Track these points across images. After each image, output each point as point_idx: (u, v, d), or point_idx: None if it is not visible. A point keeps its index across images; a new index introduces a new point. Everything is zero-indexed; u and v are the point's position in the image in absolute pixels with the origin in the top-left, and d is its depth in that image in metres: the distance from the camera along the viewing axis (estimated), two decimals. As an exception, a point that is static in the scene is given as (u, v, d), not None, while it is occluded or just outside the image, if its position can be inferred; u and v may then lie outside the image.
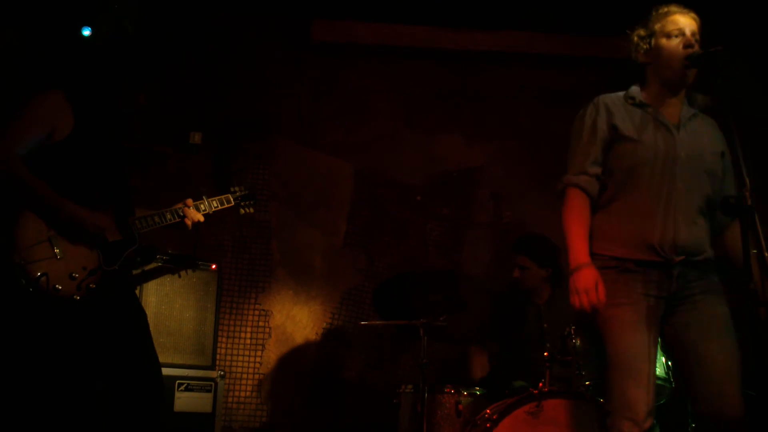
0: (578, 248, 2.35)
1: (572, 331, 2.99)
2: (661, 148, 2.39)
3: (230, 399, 4.28)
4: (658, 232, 2.32)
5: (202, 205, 2.96)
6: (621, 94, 2.56)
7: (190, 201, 2.90)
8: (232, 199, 3.14)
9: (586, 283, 2.26)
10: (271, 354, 4.43)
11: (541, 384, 2.98)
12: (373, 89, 4.86)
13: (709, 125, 2.52)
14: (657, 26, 2.49)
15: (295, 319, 4.50)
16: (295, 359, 4.44)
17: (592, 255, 2.37)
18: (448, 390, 3.24)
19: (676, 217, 2.33)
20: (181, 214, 2.84)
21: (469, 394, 3.24)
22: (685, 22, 2.46)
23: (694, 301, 2.33)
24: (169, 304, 3.65)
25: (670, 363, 2.89)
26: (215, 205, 3.04)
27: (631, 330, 2.29)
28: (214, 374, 3.66)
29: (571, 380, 3.04)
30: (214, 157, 4.57)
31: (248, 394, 4.35)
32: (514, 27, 4.80)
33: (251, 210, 3.27)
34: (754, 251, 2.05)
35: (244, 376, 4.36)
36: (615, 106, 2.50)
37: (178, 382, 3.55)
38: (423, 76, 4.89)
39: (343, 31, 4.79)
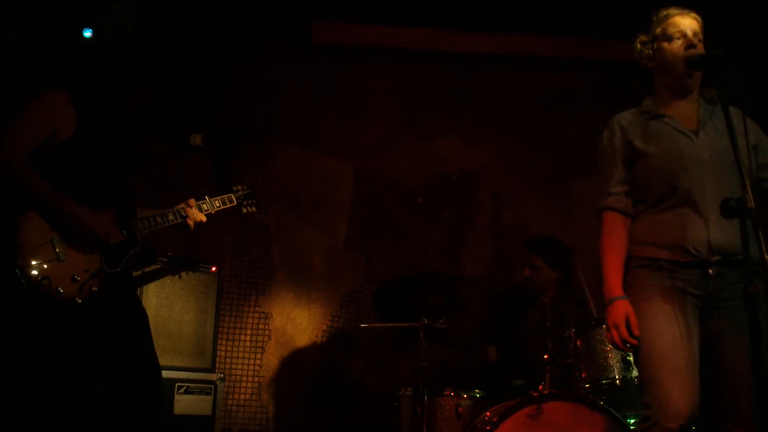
0: (612, 281, 2.37)
1: (572, 334, 3.01)
2: (683, 154, 2.38)
3: (230, 402, 4.28)
4: (690, 234, 2.31)
5: (204, 205, 2.97)
6: (634, 109, 2.57)
7: (192, 201, 2.91)
8: (234, 198, 3.16)
9: (617, 318, 2.29)
10: (271, 357, 4.44)
11: (541, 386, 3.00)
12: (373, 90, 4.88)
13: (730, 120, 2.50)
14: (658, 30, 2.49)
15: (296, 322, 4.52)
16: (295, 362, 4.45)
17: (630, 257, 2.40)
18: (447, 393, 3.26)
19: (707, 217, 2.31)
20: (184, 214, 2.84)
21: (468, 397, 3.26)
22: (685, 23, 2.46)
23: (733, 306, 2.28)
24: (168, 307, 3.66)
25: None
26: (218, 204, 3.05)
27: (665, 321, 2.27)
28: (213, 377, 3.67)
29: (571, 383, 3.06)
30: (214, 158, 4.59)
31: (248, 396, 4.36)
32: (514, 29, 4.83)
33: (253, 209, 3.29)
34: None
35: (244, 378, 4.37)
36: (629, 124, 2.51)
37: (177, 384, 3.55)
38: (423, 78, 4.91)
39: (343, 32, 4.81)
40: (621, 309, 2.31)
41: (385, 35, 4.83)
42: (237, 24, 4.69)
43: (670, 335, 2.26)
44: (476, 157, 4.87)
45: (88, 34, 3.62)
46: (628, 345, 2.29)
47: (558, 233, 4.05)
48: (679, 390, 2.21)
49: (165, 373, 3.00)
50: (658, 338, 2.27)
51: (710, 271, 2.30)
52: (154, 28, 4.06)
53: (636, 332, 2.28)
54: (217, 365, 3.80)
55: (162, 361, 2.75)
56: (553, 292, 3.77)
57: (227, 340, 4.37)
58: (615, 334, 2.29)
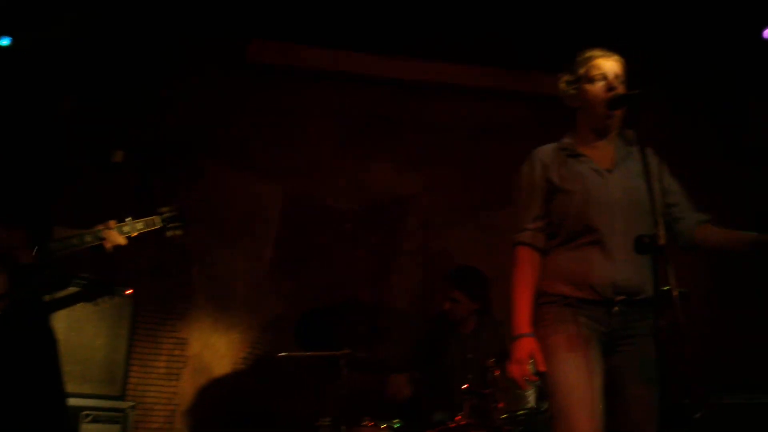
0: (520, 316, 2.50)
1: (492, 364, 3.13)
2: (596, 194, 2.54)
3: (140, 431, 4.22)
4: (597, 273, 2.47)
5: (126, 227, 2.88)
6: (554, 145, 2.72)
7: (112, 222, 2.84)
8: (159, 221, 3.06)
9: (521, 355, 2.43)
10: (187, 384, 4.42)
11: (459, 417, 3.10)
12: (308, 113, 4.97)
13: (644, 163, 2.65)
14: (582, 71, 2.65)
15: (214, 348, 4.51)
16: (212, 390, 4.44)
17: (541, 293, 2.54)
18: (366, 423, 3.32)
19: (614, 257, 2.47)
20: (102, 236, 2.78)
21: (387, 427, 3.34)
22: (608, 65, 2.63)
23: (634, 344, 2.47)
24: (79, 330, 3.62)
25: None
26: (140, 227, 2.96)
27: (572, 357, 2.41)
28: (123, 405, 3.64)
29: (489, 413, 3.17)
30: (138, 176, 4.54)
31: (160, 425, 4.32)
32: (452, 59, 5.02)
33: (179, 232, 3.18)
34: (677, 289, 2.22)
35: (157, 407, 4.33)
36: (550, 160, 2.65)
37: (84, 412, 3.51)
38: (359, 103, 5.03)
39: (280, 52, 4.89)
40: (527, 346, 2.44)
41: (323, 58, 4.94)
42: (171, 41, 4.68)
43: (576, 370, 2.41)
44: (407, 184, 5.00)
45: (5, 43, 3.57)
46: (527, 382, 2.43)
47: (484, 262, 4.19)
48: (586, 422, 2.36)
49: (71, 401, 2.96)
50: (566, 373, 2.41)
51: (614, 309, 2.47)
52: (87, 42, 4.01)
53: (541, 369, 2.42)
54: (128, 392, 3.76)
55: (69, 388, 2.71)
56: (472, 323, 3.91)
57: (141, 366, 4.32)
58: (517, 369, 2.43)
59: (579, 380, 2.40)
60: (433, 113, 5.12)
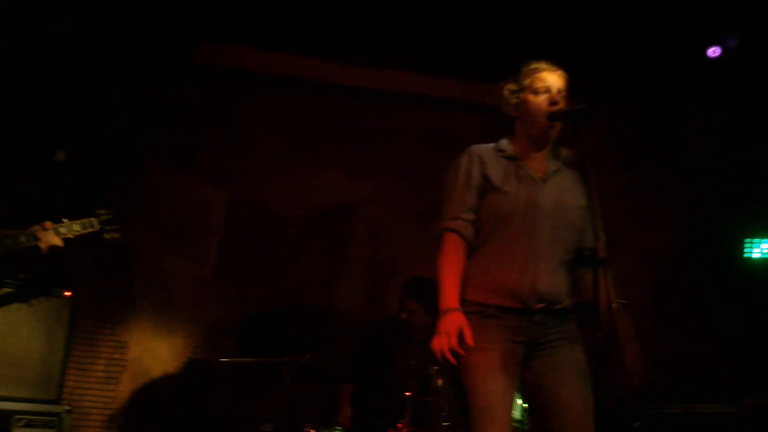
0: (449, 293, 2.51)
1: (435, 371, 3.16)
2: (526, 200, 2.60)
3: (76, 436, 4.14)
4: (520, 280, 2.53)
5: (62, 228, 2.87)
6: (492, 145, 2.77)
7: (48, 224, 2.82)
8: (96, 223, 3.05)
9: (449, 328, 2.41)
10: (126, 389, 4.35)
11: (401, 425, 3.12)
12: (257, 116, 4.94)
13: (573, 179, 2.74)
14: (526, 82, 2.72)
15: (155, 353, 4.45)
16: (151, 395, 4.38)
17: (462, 301, 2.54)
18: (307, 429, 3.31)
19: (537, 265, 2.53)
20: (37, 237, 2.76)
21: (330, 435, 3.33)
22: (552, 79, 2.70)
23: (553, 347, 2.54)
24: (14, 332, 3.52)
25: (526, 405, 3.11)
26: (77, 228, 2.95)
27: (492, 377, 2.46)
28: (59, 409, 3.55)
29: (431, 421, 3.19)
30: (80, 176, 4.45)
31: (96, 431, 4.23)
32: (403, 68, 5.06)
33: (117, 235, 3.19)
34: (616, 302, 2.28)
35: (94, 411, 4.26)
36: (487, 157, 2.70)
37: (17, 417, 3.41)
38: (310, 109, 5.03)
39: (230, 55, 4.86)
40: (455, 319, 2.44)
41: (274, 62, 4.92)
42: (119, 41, 4.61)
43: (497, 392, 2.46)
44: (356, 190, 5.02)
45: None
46: (453, 354, 2.38)
47: (430, 271, 4.20)
48: None
49: (3, 405, 2.89)
50: (486, 395, 2.45)
51: (534, 319, 2.53)
52: (30, 40, 3.93)
53: (470, 343, 2.40)
54: (64, 397, 3.67)
55: (1, 391, 2.65)
56: (426, 333, 3.91)
57: (78, 369, 4.24)
58: (444, 341, 2.39)
59: (496, 398, 2.45)
60: (383, 121, 5.15)
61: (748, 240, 5.25)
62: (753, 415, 4.00)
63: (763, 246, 5.23)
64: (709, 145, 5.39)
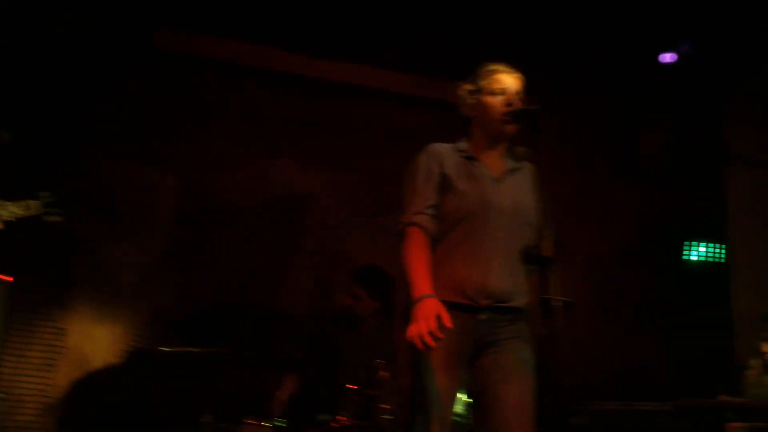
0: (420, 281, 2.48)
1: (380, 365, 3.16)
2: (482, 198, 2.64)
3: (9, 424, 4.03)
4: (468, 277, 2.56)
5: (1, 211, 2.81)
6: (451, 145, 2.80)
7: (-13, 205, 2.74)
8: (37, 206, 3.00)
9: (427, 312, 2.36)
10: (63, 376, 4.25)
11: (344, 417, 3.11)
12: (214, 105, 4.86)
13: (529, 179, 2.79)
14: (483, 83, 2.77)
15: (95, 340, 4.36)
16: (90, 383, 4.28)
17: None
18: (247, 421, 3.30)
19: (490, 264, 2.57)
20: (-25, 220, 2.68)
21: (270, 426, 3.31)
22: (509, 81, 2.75)
23: (501, 345, 2.58)
24: (-55, 315, 3.41)
25: (470, 400, 3.13)
26: (17, 210, 2.89)
27: (442, 374, 2.49)
28: (-7, 396, 3.45)
29: (374, 414, 3.20)
30: (23, 158, 4.32)
31: (31, 418, 4.13)
32: (359, 61, 5.06)
33: (59, 219, 3.14)
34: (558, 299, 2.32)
35: (28, 398, 4.14)
36: (446, 155, 2.73)
37: (-53, 403, 3.31)
38: (267, 99, 4.97)
39: (188, 42, 4.76)
40: (432, 304, 2.40)
41: (233, 50, 4.84)
42: (72, 23, 4.47)
43: (444, 389, 2.50)
44: (309, 182, 4.99)
45: None
46: (431, 337, 2.33)
47: (386, 264, 4.22)
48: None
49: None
50: (435, 392, 2.48)
51: (482, 316, 2.56)
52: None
53: (449, 326, 2.36)
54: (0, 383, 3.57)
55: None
56: (373, 323, 3.93)
57: (13, 356, 4.12)
58: (423, 325, 2.33)
59: (444, 399, 2.49)
60: (340, 115, 5.13)
61: (686, 243, 5.40)
62: (687, 412, 4.13)
63: (700, 249, 5.39)
64: (655, 149, 5.53)
